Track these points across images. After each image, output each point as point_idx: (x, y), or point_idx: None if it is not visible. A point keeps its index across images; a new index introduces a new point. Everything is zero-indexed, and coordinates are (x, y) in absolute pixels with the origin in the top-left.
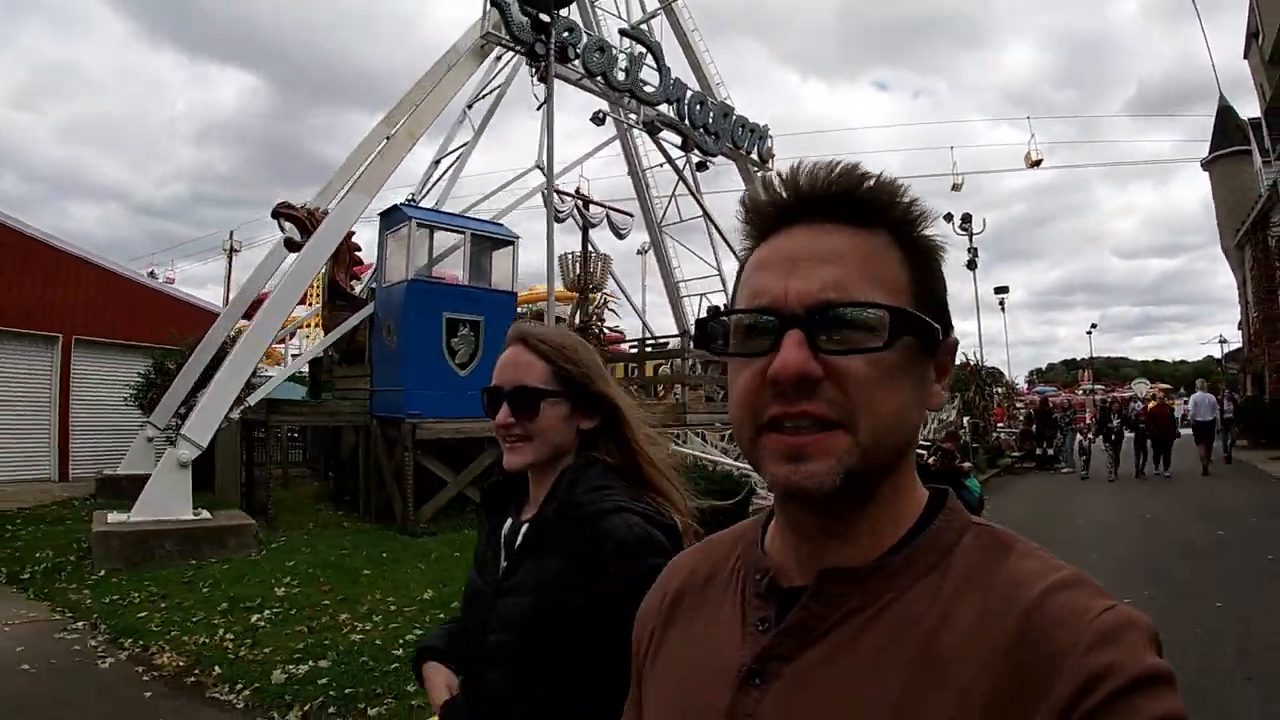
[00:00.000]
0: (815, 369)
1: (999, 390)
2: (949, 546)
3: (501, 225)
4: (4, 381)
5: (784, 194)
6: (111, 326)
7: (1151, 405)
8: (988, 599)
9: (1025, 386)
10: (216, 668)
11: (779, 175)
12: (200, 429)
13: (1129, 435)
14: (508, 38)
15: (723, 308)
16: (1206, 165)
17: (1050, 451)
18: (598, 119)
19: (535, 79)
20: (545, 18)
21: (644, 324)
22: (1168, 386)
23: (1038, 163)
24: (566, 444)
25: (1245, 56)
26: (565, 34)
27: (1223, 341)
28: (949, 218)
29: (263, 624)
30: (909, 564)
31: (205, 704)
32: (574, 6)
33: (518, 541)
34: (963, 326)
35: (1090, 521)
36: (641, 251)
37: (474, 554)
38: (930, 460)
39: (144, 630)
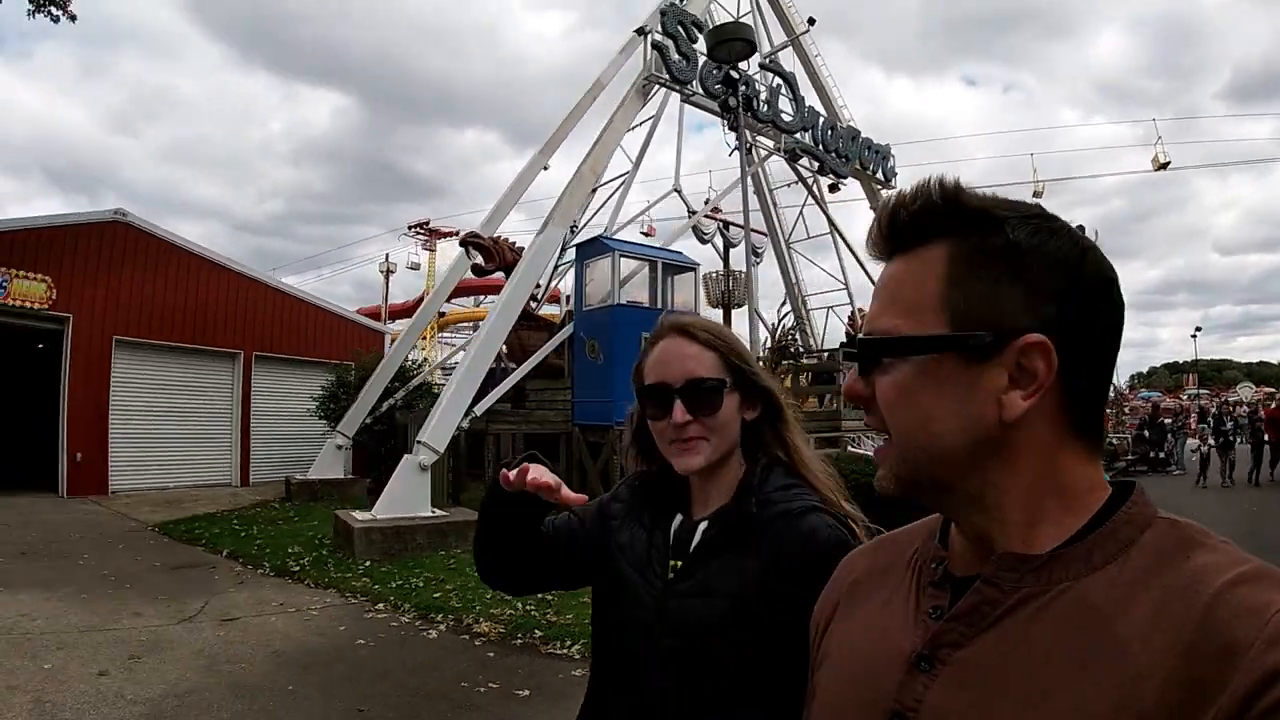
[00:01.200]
0: (860, 389)
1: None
2: (1130, 539)
3: (682, 254)
4: (191, 394)
5: (873, 232)
6: (287, 343)
7: (1272, 408)
8: (1167, 594)
9: (1128, 391)
10: (537, 630)
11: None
12: (438, 437)
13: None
14: (667, 78)
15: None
16: None
17: (1162, 455)
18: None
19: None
20: (734, 73)
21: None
22: (1271, 390)
23: (1165, 165)
24: (737, 439)
25: None
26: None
27: None
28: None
29: (550, 596)
30: (1087, 554)
31: (546, 657)
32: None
33: (695, 540)
34: (1128, 349)
35: (1198, 509)
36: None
37: (620, 551)
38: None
39: (447, 607)
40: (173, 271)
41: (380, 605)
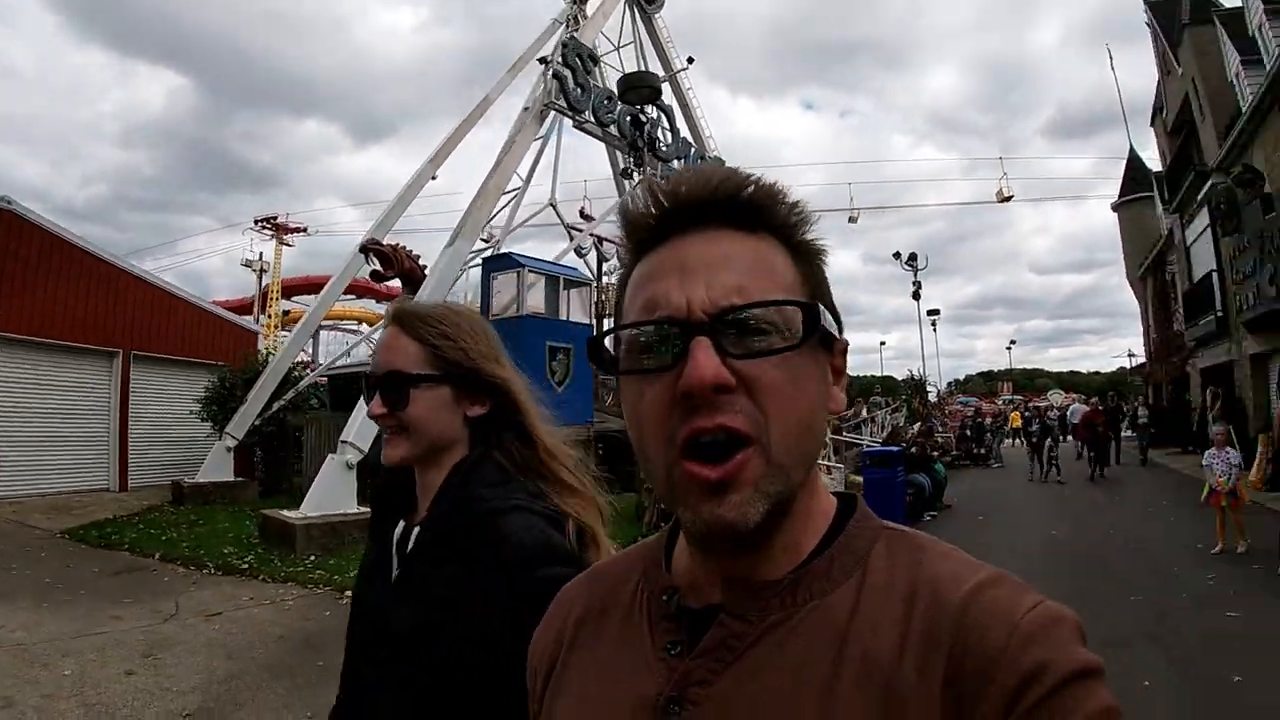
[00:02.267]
0: (728, 376)
1: (931, 400)
2: (864, 551)
3: (576, 269)
4: (63, 395)
5: (666, 203)
6: (167, 343)
7: (1088, 412)
8: (911, 604)
9: (948, 396)
10: None
11: (656, 185)
12: (362, 437)
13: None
14: (564, 104)
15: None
16: (1116, 207)
17: (983, 451)
18: (627, 174)
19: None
20: (643, 116)
21: None
22: (1082, 396)
23: (1009, 198)
24: (451, 434)
25: (1151, 124)
26: (647, 125)
27: (1131, 355)
28: (897, 255)
29: None
30: (827, 571)
31: None
32: (598, 70)
33: (409, 546)
34: (904, 344)
35: (1014, 498)
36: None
37: (360, 564)
38: (913, 449)
39: None
40: (53, 264)
41: (348, 592)
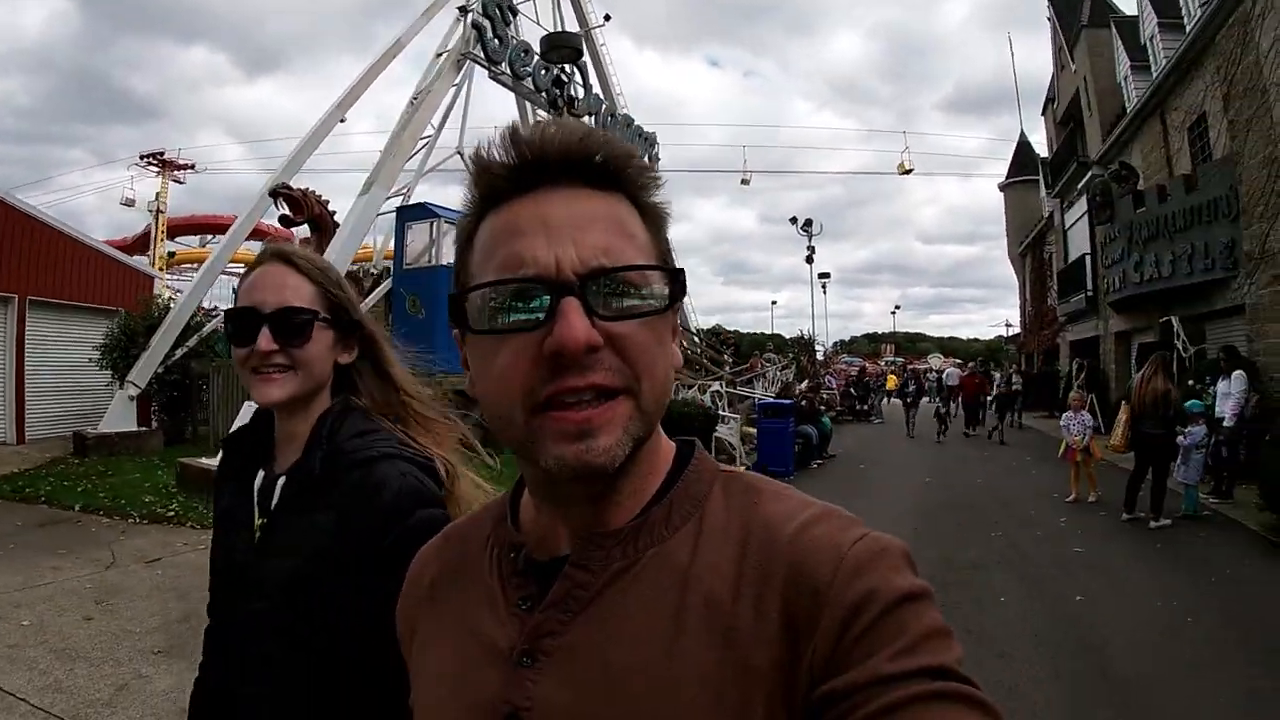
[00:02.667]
0: (598, 337)
1: (819, 359)
2: (702, 495)
3: None
4: None
5: (529, 154)
6: (66, 288)
7: (966, 376)
8: (745, 544)
9: (833, 354)
10: None
11: (518, 135)
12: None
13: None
14: (482, 56)
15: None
16: (1003, 187)
17: (865, 408)
18: None
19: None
20: (564, 75)
21: None
22: (960, 361)
23: (908, 171)
24: (325, 378)
25: (1043, 113)
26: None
27: (1008, 325)
28: (794, 221)
29: None
30: (667, 516)
31: None
32: (517, 22)
33: (275, 497)
34: (793, 303)
35: (893, 451)
36: None
37: (215, 514)
38: (803, 403)
39: None
40: None
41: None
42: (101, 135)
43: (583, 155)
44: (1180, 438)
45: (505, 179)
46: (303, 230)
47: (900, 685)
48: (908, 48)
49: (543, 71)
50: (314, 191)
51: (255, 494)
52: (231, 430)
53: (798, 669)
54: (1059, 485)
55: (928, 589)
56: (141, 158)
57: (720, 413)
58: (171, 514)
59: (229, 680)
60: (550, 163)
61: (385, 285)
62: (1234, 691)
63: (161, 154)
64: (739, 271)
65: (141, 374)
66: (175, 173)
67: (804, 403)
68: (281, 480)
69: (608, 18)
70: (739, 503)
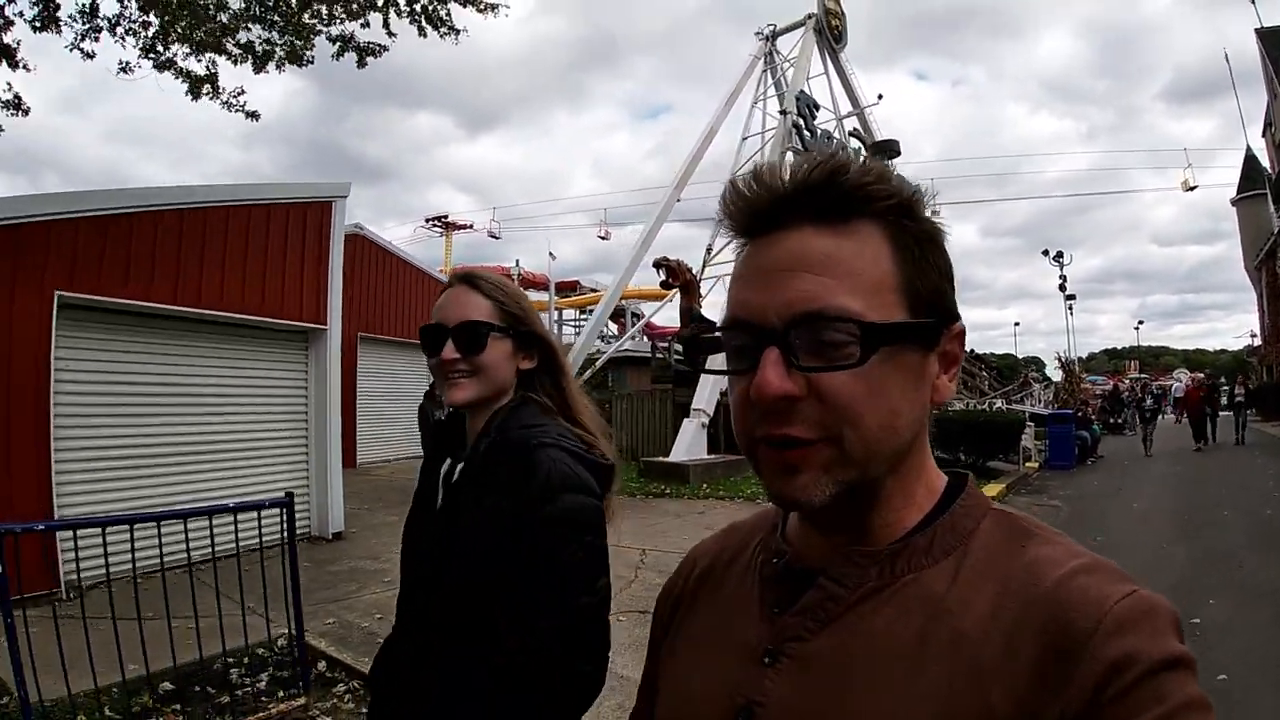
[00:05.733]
0: (793, 389)
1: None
2: (968, 531)
3: None
4: (382, 378)
5: (762, 193)
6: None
7: (1191, 388)
8: (1006, 585)
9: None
10: None
11: (753, 176)
12: (709, 404)
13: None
14: (799, 147)
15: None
16: (1235, 203)
17: (1120, 421)
18: None
19: None
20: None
21: None
22: (1200, 375)
23: (1193, 189)
24: (507, 382)
25: (1263, 135)
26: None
27: (1253, 335)
28: (1045, 253)
29: None
30: (928, 547)
31: None
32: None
33: (454, 478)
34: (1024, 318)
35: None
36: None
37: (413, 495)
38: (1078, 414)
39: (750, 492)
40: (395, 278)
41: (759, 500)
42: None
43: (808, 190)
44: None
45: (744, 223)
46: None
47: None
48: (1119, 39)
49: (843, 152)
50: (684, 262)
51: (441, 479)
52: (436, 424)
53: (1045, 718)
54: None
55: (1190, 658)
56: (427, 221)
57: (1027, 422)
58: (668, 492)
59: (402, 630)
60: (784, 201)
61: None
62: None
63: (445, 217)
64: (965, 288)
65: None
66: (456, 232)
67: (1079, 414)
68: (461, 465)
69: (880, 97)
70: (1006, 542)
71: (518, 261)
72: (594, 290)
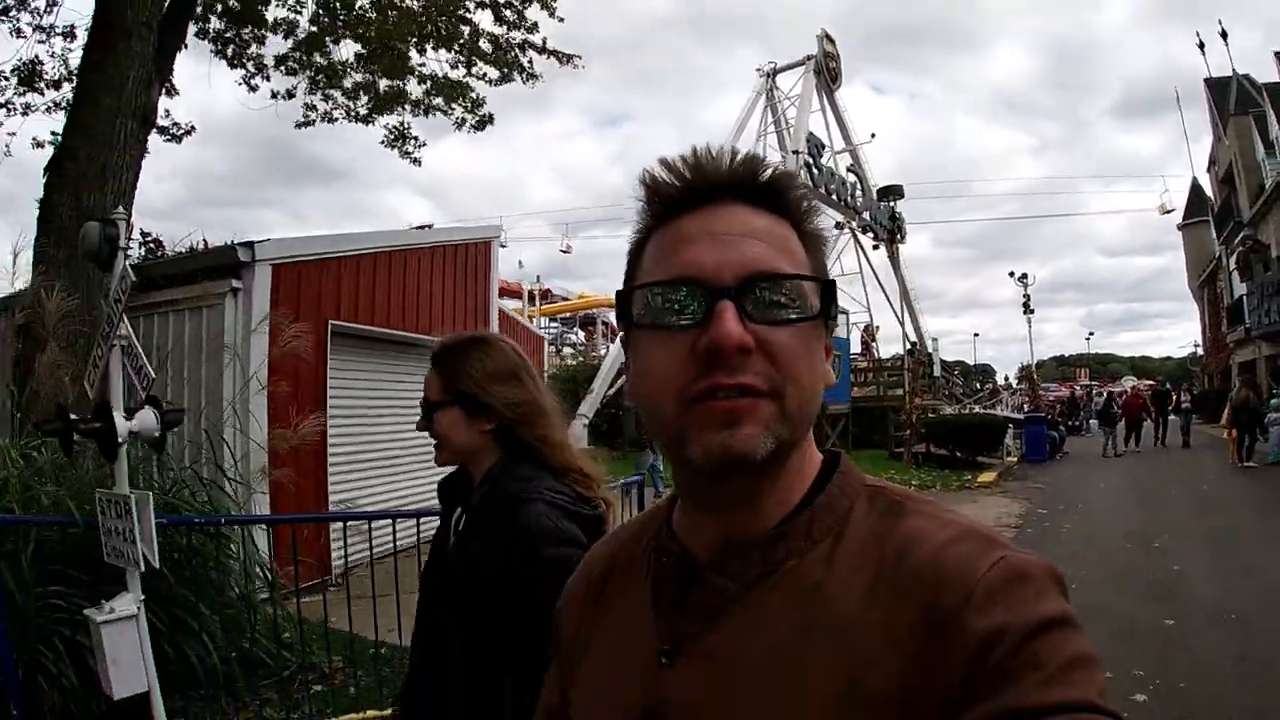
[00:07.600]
0: (749, 340)
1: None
2: (845, 510)
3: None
4: None
5: (690, 175)
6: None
7: (1129, 396)
8: (881, 566)
9: (1015, 381)
10: None
11: (684, 159)
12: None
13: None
14: (810, 184)
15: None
16: (1181, 227)
17: (1077, 424)
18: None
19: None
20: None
21: None
22: (1150, 382)
23: (1169, 211)
24: (471, 445)
25: (1208, 170)
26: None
27: (1196, 345)
28: (1011, 274)
29: None
30: (808, 529)
31: None
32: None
33: (460, 527)
34: (978, 326)
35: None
36: None
37: (433, 540)
38: (1048, 416)
39: None
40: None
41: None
42: (295, 197)
43: (750, 177)
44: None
45: (677, 197)
46: None
47: None
48: (1069, 54)
49: (843, 187)
50: None
51: (452, 526)
52: (440, 480)
53: (928, 698)
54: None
55: (1068, 614)
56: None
57: (1008, 424)
58: None
59: (419, 668)
60: (719, 183)
61: None
62: None
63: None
64: (921, 296)
65: (591, 407)
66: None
67: (1048, 415)
68: (465, 517)
69: (873, 135)
70: (880, 519)
71: None
72: (565, 299)
